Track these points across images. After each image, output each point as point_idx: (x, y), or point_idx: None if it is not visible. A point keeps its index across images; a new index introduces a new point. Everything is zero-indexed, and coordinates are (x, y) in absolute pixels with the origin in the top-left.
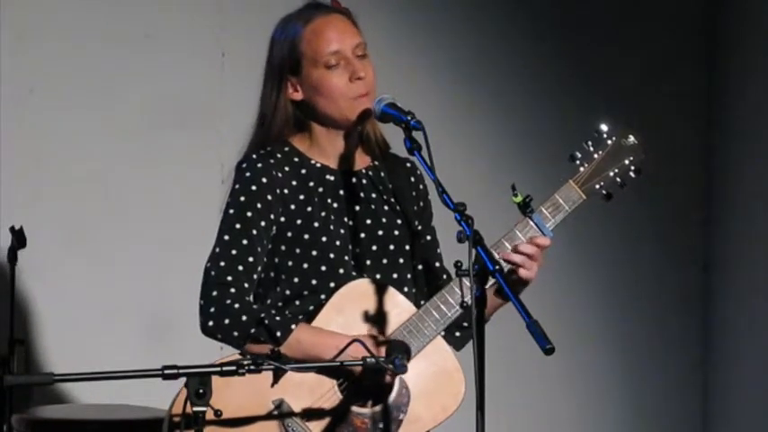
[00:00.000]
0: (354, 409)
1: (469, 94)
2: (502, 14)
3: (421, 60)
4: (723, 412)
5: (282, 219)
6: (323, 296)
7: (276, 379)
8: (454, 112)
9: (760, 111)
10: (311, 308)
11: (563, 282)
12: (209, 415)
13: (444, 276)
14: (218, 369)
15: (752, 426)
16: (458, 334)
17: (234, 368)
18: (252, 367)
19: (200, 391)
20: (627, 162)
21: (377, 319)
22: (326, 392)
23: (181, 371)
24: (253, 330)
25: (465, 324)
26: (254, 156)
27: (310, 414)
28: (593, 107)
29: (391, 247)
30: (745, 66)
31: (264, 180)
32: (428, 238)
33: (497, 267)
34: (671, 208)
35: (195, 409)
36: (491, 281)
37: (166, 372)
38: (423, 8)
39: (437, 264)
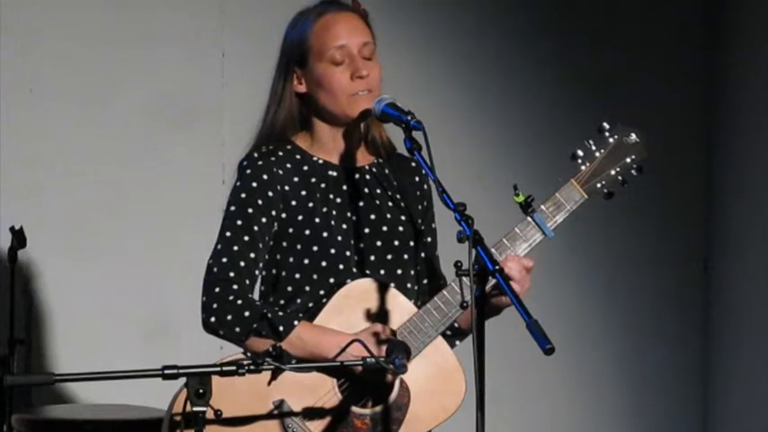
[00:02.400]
0: (354, 409)
1: (469, 94)
2: (501, 14)
3: (421, 60)
4: (723, 412)
5: (284, 215)
6: (322, 292)
7: (274, 376)
8: (454, 112)
9: (760, 110)
10: (311, 304)
11: (563, 281)
12: (210, 415)
13: (441, 281)
14: (218, 369)
15: (752, 425)
16: (449, 333)
17: (234, 368)
18: (252, 367)
19: (200, 391)
20: (629, 160)
21: (378, 319)
22: (327, 393)
23: (181, 371)
24: (255, 326)
25: (456, 325)
26: (256, 154)
27: (311, 415)
28: (594, 107)
29: (396, 243)
30: (745, 65)
31: (265, 177)
32: (429, 239)
33: (497, 267)
34: (671, 207)
35: (195, 409)
36: (491, 280)
37: (166, 372)
38: (422, 8)
39: (434, 266)
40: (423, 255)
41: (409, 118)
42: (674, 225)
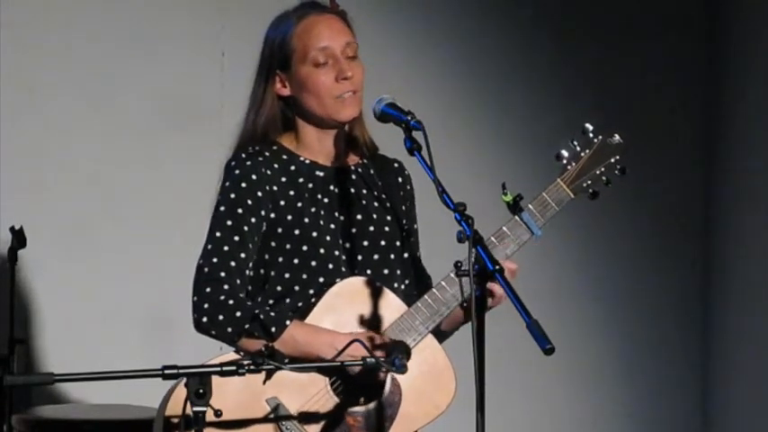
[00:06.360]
0: (347, 407)
1: (469, 94)
2: (502, 14)
3: (420, 60)
4: (723, 412)
5: (272, 215)
6: (312, 291)
7: (269, 376)
8: (454, 112)
9: (760, 111)
10: (300, 304)
11: (563, 282)
12: (209, 414)
13: (427, 280)
14: (218, 369)
15: (751, 425)
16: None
17: (234, 368)
18: (252, 367)
19: (200, 391)
20: (613, 161)
21: (368, 317)
22: (319, 391)
23: (181, 371)
24: (247, 326)
25: (441, 328)
26: (243, 154)
27: (304, 412)
28: (594, 108)
29: (382, 242)
30: (745, 66)
31: (254, 177)
32: (412, 239)
33: (497, 267)
34: (671, 208)
35: (195, 409)
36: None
37: (166, 372)
38: (422, 8)
39: (419, 265)
40: (409, 255)
41: (409, 118)
42: (674, 226)
